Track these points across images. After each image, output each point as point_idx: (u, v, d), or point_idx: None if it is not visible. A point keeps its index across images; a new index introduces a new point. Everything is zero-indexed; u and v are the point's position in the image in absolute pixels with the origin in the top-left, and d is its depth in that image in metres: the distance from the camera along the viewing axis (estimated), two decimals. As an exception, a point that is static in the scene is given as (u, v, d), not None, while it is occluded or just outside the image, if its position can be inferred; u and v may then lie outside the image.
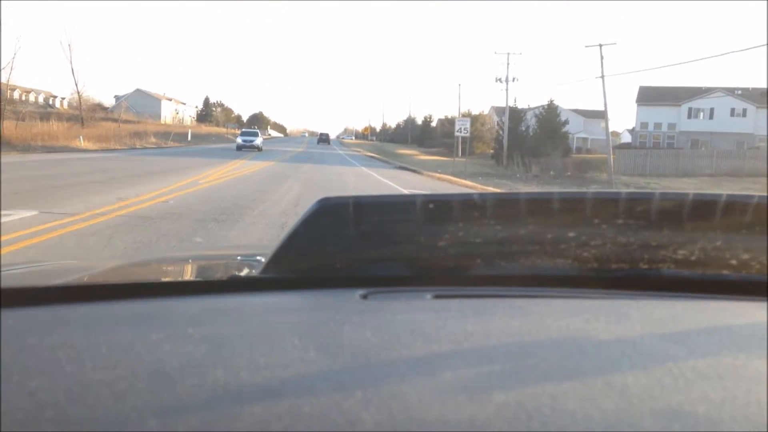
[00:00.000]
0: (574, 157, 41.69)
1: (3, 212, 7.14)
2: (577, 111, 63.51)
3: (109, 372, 0.53)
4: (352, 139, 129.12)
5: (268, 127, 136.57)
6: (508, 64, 41.71)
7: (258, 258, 0.92)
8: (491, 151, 57.98)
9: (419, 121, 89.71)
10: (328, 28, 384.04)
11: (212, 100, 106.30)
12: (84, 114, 46.20)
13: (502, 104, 43.73)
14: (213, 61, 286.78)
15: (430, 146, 73.79)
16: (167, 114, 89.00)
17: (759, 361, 0.58)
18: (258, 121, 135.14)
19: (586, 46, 40.57)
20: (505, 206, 0.86)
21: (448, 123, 62.70)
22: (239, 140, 40.01)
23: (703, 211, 0.82)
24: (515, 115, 47.08)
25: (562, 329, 0.66)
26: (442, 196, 0.85)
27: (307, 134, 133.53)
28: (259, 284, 0.83)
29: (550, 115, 42.86)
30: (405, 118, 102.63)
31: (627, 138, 68.23)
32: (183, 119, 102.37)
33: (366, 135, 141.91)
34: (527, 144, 43.43)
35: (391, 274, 0.84)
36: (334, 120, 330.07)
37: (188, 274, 1.18)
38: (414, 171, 27.31)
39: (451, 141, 63.17)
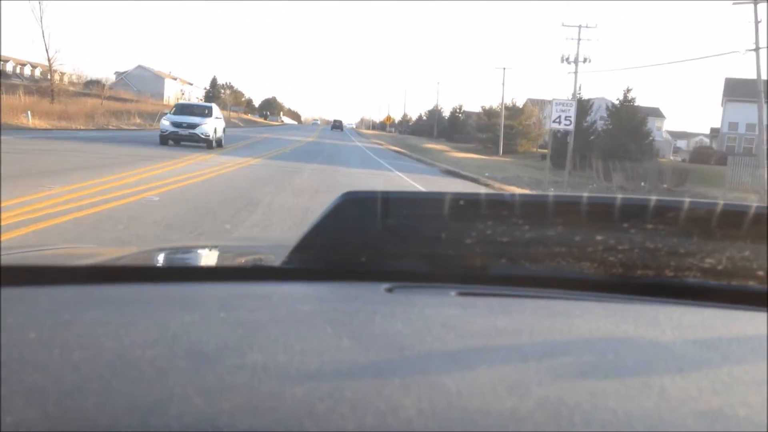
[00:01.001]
0: (663, 162, 31.31)
1: None
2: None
3: (149, 349, 0.53)
4: (369, 129, 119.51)
5: (281, 113, 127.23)
6: (579, 39, 31.31)
7: (282, 248, 0.89)
8: (536, 149, 47.55)
9: (446, 112, 79.15)
10: (348, 8, 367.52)
11: (222, 81, 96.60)
12: (57, 87, 40.05)
13: (540, 96, 33.12)
14: (226, 41, 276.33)
15: (459, 141, 63.62)
16: (171, 94, 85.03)
17: None
18: (271, 106, 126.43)
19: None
20: (534, 207, 0.86)
21: (485, 115, 52.29)
22: (164, 124, 20.47)
23: (731, 220, 0.81)
24: (580, 107, 36.59)
25: (593, 330, 0.65)
26: (471, 194, 0.85)
27: (319, 122, 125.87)
28: (284, 274, 0.83)
29: (627, 108, 32.44)
30: (429, 109, 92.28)
31: (682, 144, 57.18)
32: (189, 100, 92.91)
33: (385, 125, 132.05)
34: (597, 144, 33.10)
35: (415, 269, 0.84)
36: (351, 110, 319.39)
37: (215, 260, 1.18)
38: (472, 180, 18.85)
39: (489, 136, 53.60)
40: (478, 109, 78.43)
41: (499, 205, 0.84)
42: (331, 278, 0.81)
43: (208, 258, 1.23)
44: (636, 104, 33.84)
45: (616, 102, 33.64)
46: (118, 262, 0.99)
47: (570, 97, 31.70)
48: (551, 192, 1.81)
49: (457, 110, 72.93)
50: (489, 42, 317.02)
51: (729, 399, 0.49)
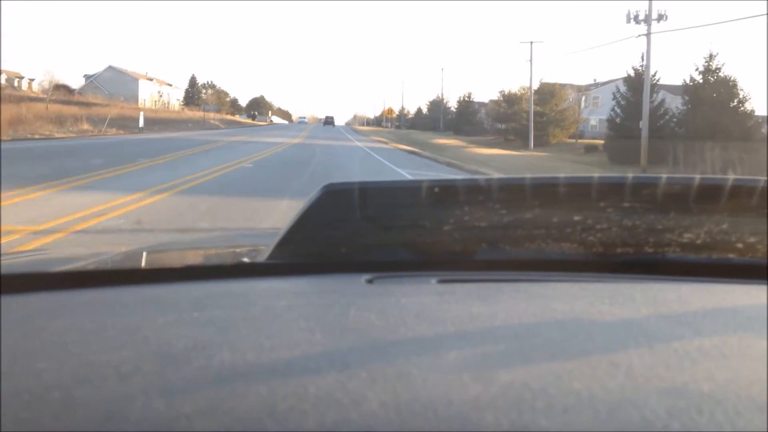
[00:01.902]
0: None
1: None
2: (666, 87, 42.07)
3: (115, 354, 0.53)
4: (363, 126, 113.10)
5: (270, 113, 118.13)
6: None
7: (265, 243, 0.89)
8: (571, 140, 38.45)
9: (451, 103, 70.26)
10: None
11: (203, 80, 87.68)
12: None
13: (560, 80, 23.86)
14: (208, 39, 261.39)
15: (471, 133, 54.47)
16: (147, 96, 77.98)
17: (763, 341, 0.57)
18: (258, 106, 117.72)
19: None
20: (511, 190, 0.85)
21: (505, 102, 43.06)
22: None
23: (709, 194, 0.81)
24: (632, 84, 27.55)
25: (567, 311, 0.65)
26: (448, 180, 0.85)
27: (306, 119, 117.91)
28: (265, 270, 0.83)
29: (716, 82, 23.48)
30: (431, 100, 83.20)
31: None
32: (168, 102, 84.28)
33: (380, 121, 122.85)
34: (670, 130, 24.23)
35: (396, 259, 0.84)
36: (343, 107, 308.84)
37: (194, 259, 1.18)
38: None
39: (510, 126, 44.74)
40: (486, 99, 69.98)
41: (475, 190, 0.84)
42: (311, 272, 0.81)
43: (186, 257, 1.21)
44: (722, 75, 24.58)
45: (697, 73, 24.46)
46: (93, 266, 0.98)
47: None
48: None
49: (465, 99, 63.86)
50: (501, 19, 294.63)
51: (694, 374, 0.49)
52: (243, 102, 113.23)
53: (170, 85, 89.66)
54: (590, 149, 33.59)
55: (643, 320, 0.63)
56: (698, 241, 0.80)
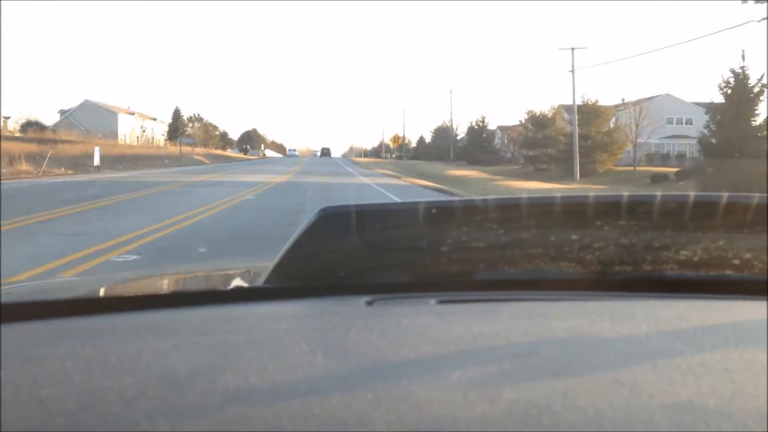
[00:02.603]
0: None
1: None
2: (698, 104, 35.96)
3: (118, 380, 0.54)
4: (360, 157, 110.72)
5: (262, 146, 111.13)
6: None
7: (262, 268, 0.90)
8: (632, 168, 30.83)
9: (461, 129, 63.02)
10: (331, 25, 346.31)
11: (190, 113, 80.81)
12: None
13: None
14: (194, 70, 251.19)
15: (487, 163, 46.82)
16: (127, 131, 72.60)
17: (763, 355, 0.58)
18: (251, 139, 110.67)
19: None
20: (507, 210, 0.86)
21: (533, 125, 35.43)
22: None
23: (704, 211, 0.82)
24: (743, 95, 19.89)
25: (569, 329, 0.66)
26: (444, 202, 0.87)
27: (296, 152, 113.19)
28: (263, 293, 0.83)
29: None
30: (437, 127, 75.74)
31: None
32: (153, 138, 77.15)
33: (379, 152, 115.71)
34: None
35: (394, 281, 0.84)
36: (339, 138, 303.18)
37: (191, 285, 1.19)
38: None
39: (542, 153, 37.51)
40: (499, 124, 62.60)
41: (472, 211, 0.85)
42: (310, 295, 0.81)
43: (184, 283, 1.21)
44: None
45: None
46: (91, 294, 1.00)
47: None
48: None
49: (479, 124, 56.56)
50: (514, 30, 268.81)
51: (698, 389, 0.49)
52: (235, 135, 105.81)
53: (154, 120, 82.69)
54: (658, 179, 25.75)
55: (644, 337, 0.63)
56: (695, 258, 0.81)
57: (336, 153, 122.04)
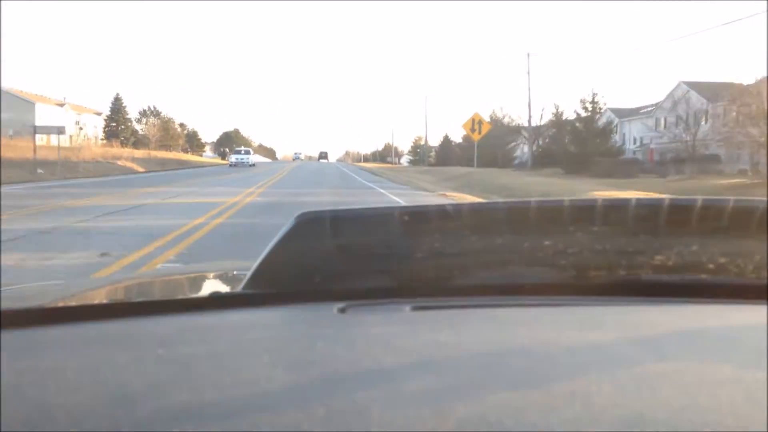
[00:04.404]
0: None
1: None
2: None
3: (71, 396, 0.54)
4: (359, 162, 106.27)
5: (243, 149, 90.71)
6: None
7: (240, 274, 0.95)
8: None
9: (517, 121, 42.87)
10: (329, 25, 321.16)
11: (147, 106, 61.40)
12: None
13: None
14: (176, 60, 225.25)
15: (614, 172, 25.92)
16: (52, 124, 53.08)
17: (727, 365, 0.60)
18: (230, 141, 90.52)
19: None
20: (481, 216, 0.89)
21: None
22: None
23: (679, 216, 0.84)
24: None
25: (534, 338, 0.69)
26: (418, 207, 0.89)
27: (302, 155, 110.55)
28: (238, 301, 0.85)
29: None
30: (488, 118, 55.25)
31: None
32: (97, 137, 58.13)
33: (385, 156, 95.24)
34: None
35: (370, 286, 0.86)
36: (333, 144, 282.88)
37: (166, 292, 1.20)
38: None
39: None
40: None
41: (445, 216, 0.87)
42: (286, 302, 0.83)
43: (156, 290, 1.22)
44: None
45: None
46: (55, 302, 0.99)
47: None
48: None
49: (589, 106, 36.00)
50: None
51: (652, 402, 0.51)
52: (207, 136, 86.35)
53: (99, 114, 62.06)
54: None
55: (608, 345, 0.66)
56: (670, 263, 0.83)
57: (332, 157, 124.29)
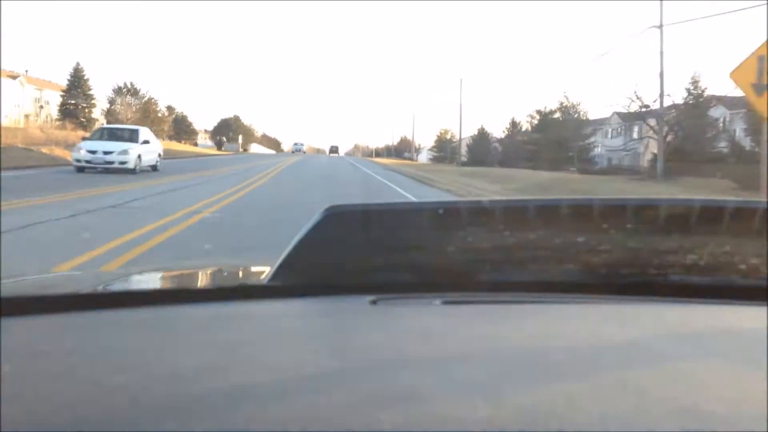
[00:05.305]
0: None
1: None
2: None
3: (123, 376, 0.57)
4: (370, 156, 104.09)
5: (240, 138, 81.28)
6: None
7: (267, 266, 0.98)
8: None
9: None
10: (334, 22, 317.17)
11: (123, 82, 51.26)
12: None
13: None
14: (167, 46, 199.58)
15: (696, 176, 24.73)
16: (11, 105, 47.03)
17: (764, 362, 0.62)
18: (229, 129, 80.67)
19: None
20: (514, 212, 0.93)
21: None
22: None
23: (711, 216, 0.88)
24: None
25: (574, 333, 0.71)
26: (451, 202, 0.97)
27: (303, 146, 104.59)
28: (267, 291, 0.89)
29: None
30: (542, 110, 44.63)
31: None
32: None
33: (402, 151, 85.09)
34: None
35: (399, 280, 0.90)
36: (342, 138, 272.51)
37: (197, 282, 1.28)
38: None
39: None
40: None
41: (478, 212, 0.91)
42: (314, 294, 0.87)
43: (190, 279, 1.31)
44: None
45: None
46: (95, 289, 1.07)
47: None
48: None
49: (695, 92, 25.22)
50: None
51: (704, 395, 0.53)
52: (202, 122, 76.51)
53: (72, 92, 51.87)
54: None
55: (650, 341, 0.68)
56: (701, 263, 0.86)
57: (340, 152, 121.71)
